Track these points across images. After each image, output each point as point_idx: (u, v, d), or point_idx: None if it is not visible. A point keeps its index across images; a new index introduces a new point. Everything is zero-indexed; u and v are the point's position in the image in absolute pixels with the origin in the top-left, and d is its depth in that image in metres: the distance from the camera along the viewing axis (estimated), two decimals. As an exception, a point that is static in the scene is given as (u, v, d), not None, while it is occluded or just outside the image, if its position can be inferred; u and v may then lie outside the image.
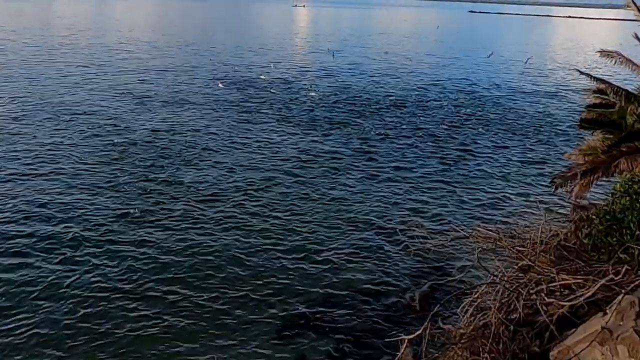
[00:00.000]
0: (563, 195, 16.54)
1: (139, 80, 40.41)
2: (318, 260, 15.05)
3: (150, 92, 36.06)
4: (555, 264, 11.35)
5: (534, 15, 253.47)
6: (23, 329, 11.72)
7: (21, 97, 32.05)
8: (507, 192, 20.66)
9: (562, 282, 10.56)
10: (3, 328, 11.75)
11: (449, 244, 14.39)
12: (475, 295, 11.07)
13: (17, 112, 28.70)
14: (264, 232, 16.47)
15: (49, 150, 23.01)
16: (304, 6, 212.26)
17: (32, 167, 20.91)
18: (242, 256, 15.03)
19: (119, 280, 13.67)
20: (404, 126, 30.17)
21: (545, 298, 10.25)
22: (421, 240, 14.54)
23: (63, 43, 59.30)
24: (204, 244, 15.59)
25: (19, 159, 21.71)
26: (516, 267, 11.55)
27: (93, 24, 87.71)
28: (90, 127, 26.82)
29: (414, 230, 14.91)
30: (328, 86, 41.90)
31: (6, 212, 17.03)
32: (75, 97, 33.40)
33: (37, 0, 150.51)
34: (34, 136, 24.79)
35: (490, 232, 13.33)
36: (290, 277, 14.18)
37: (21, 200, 17.86)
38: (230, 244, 15.71)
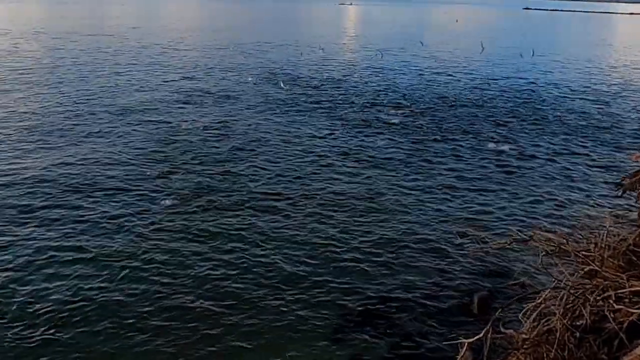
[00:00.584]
0: (630, 198, 15.86)
1: (188, 78, 41.55)
2: (374, 261, 14.99)
3: (199, 89, 37.00)
4: (624, 270, 10.92)
5: (594, 12, 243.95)
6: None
7: (74, 96, 33.45)
8: (570, 195, 19.98)
9: (632, 289, 10.13)
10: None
11: (508, 246, 14.12)
12: (539, 300, 10.78)
13: (71, 111, 29.97)
14: (319, 232, 16.54)
15: (101, 146, 23.90)
16: (350, 4, 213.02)
17: (82, 164, 21.73)
18: (298, 255, 15.13)
19: (174, 275, 14.00)
20: (457, 126, 29.69)
21: (614, 305, 9.87)
22: (480, 242, 14.31)
23: (112, 42, 61.60)
24: (259, 242, 15.78)
25: (73, 156, 22.68)
26: (582, 272, 11.18)
27: (141, 24, 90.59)
28: (142, 124, 27.69)
29: (472, 233, 14.68)
30: (377, 84, 41.82)
31: (61, 200, 17.75)
32: (127, 95, 34.63)
33: (84, 2, 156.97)
34: (88, 133, 25.76)
35: (553, 236, 12.95)
36: (346, 277, 14.18)
37: (73, 193, 18.58)
38: (285, 242, 15.85)
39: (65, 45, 56.66)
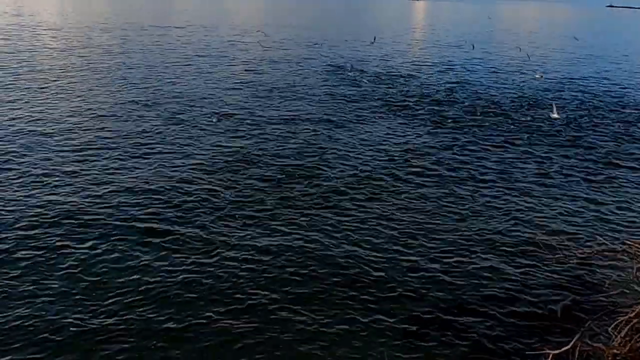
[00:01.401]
0: None
1: (255, 71, 42.45)
2: (450, 264, 14.66)
3: (265, 83, 37.64)
4: None
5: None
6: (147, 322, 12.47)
7: (143, 87, 34.74)
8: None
9: None
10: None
11: (595, 256, 13.47)
12: (632, 314, 10.24)
13: (141, 100, 31.23)
14: (391, 234, 16.34)
15: (168, 137, 24.76)
16: (418, 0, 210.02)
17: (149, 155, 22.53)
18: (367, 258, 14.97)
19: (241, 270, 14.21)
20: (538, 129, 28.57)
21: None
22: (563, 250, 13.72)
23: (181, 35, 63.56)
24: (327, 243, 15.76)
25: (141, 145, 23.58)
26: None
27: (208, 17, 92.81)
28: (208, 116, 28.47)
29: (554, 240, 14.09)
30: (449, 82, 41.05)
31: (131, 195, 18.46)
32: (193, 86, 35.58)
33: None
34: (153, 124, 26.68)
35: (648, 248, 12.25)
36: (420, 281, 13.90)
37: (125, 186, 19.27)
38: (356, 244, 15.73)
39: (134, 38, 58.88)
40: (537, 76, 43.53)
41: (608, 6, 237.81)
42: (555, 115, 27.60)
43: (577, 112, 32.98)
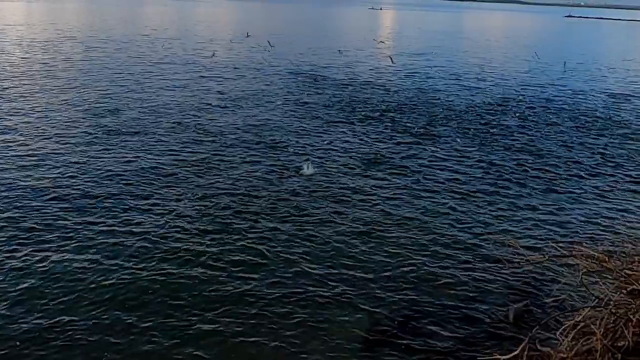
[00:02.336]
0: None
1: (217, 78, 42.52)
2: (404, 271, 14.78)
3: (229, 91, 37.54)
4: (670, 290, 10.52)
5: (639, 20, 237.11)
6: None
7: (101, 95, 34.40)
8: (612, 210, 19.37)
9: (678, 311, 9.76)
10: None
11: (547, 262, 13.76)
12: (578, 319, 10.48)
13: (100, 109, 30.86)
14: (347, 240, 16.44)
15: (127, 145, 24.37)
16: (380, 9, 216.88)
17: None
18: (323, 265, 15.01)
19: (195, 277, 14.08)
20: (495, 137, 29.19)
21: (658, 327, 9.53)
22: (516, 256, 13.97)
23: (144, 42, 63.48)
24: (286, 250, 15.76)
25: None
26: (625, 291, 10.81)
27: (172, 25, 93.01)
28: (174, 126, 28.23)
29: (508, 246, 14.36)
30: (409, 89, 41.84)
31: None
32: (160, 95, 35.38)
33: (121, 3, 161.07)
34: (110, 132, 26.34)
35: (594, 252, 12.57)
36: (374, 287, 14.00)
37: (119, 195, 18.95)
38: (313, 251, 15.79)
39: (98, 47, 58.07)
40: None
41: (566, 16, 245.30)
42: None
43: (532, 119, 33.84)
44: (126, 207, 17.96)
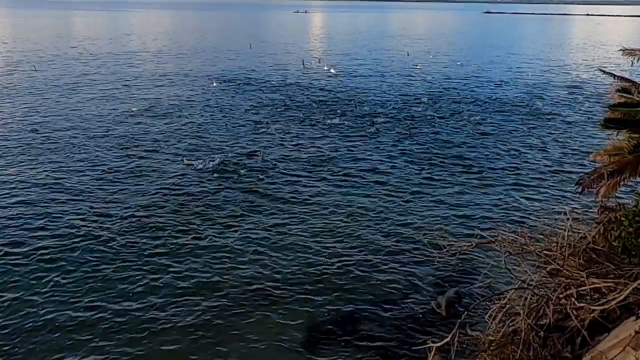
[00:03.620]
0: (589, 197, 16.25)
1: (146, 87, 41.77)
2: (340, 269, 14.97)
3: (158, 99, 36.86)
4: (585, 267, 11.17)
5: (552, 14, 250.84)
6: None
7: (30, 107, 32.74)
8: (532, 195, 20.40)
9: (593, 286, 10.37)
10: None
11: (473, 249, 14.26)
12: (504, 301, 10.94)
13: (25, 123, 29.65)
14: (287, 239, 16.49)
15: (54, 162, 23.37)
16: (305, 12, 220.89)
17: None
18: (266, 261, 15.06)
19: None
20: (417, 130, 30.08)
21: (576, 303, 10.09)
22: (445, 246, 14.40)
23: (76, 53, 61.56)
24: (230, 251, 15.61)
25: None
26: (544, 271, 11.39)
27: (105, 35, 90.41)
28: (100, 135, 27.36)
29: (437, 237, 14.77)
30: (333, 88, 42.51)
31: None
32: (85, 106, 34.17)
33: (53, 13, 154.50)
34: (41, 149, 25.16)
35: (516, 236, 13.16)
36: (313, 285, 14.14)
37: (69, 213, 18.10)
38: (251, 251, 15.72)
39: (22, 59, 55.31)
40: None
41: (485, 12, 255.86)
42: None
43: (455, 111, 35.07)
44: (57, 215, 17.20)
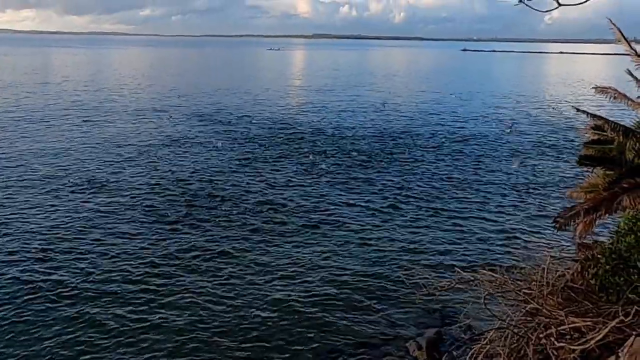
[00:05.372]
0: (567, 234, 16.32)
1: (128, 123, 41.64)
2: (317, 311, 14.63)
3: (139, 135, 36.59)
4: (564, 306, 11.09)
5: (527, 52, 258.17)
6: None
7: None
8: (510, 233, 20.39)
9: (572, 325, 10.28)
10: None
11: (454, 287, 14.14)
12: (484, 342, 10.80)
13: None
14: (268, 280, 16.19)
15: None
16: (278, 49, 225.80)
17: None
18: (230, 303, 14.69)
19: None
20: (392, 165, 30.25)
21: (556, 342, 9.97)
22: (425, 285, 14.26)
23: (58, 91, 61.37)
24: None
25: None
26: (524, 310, 11.29)
27: (86, 73, 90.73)
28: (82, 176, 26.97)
29: (417, 276, 14.63)
30: (311, 123, 42.89)
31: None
32: (72, 146, 33.70)
33: (35, 51, 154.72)
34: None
35: (496, 275, 13.10)
36: (290, 326, 13.81)
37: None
38: (236, 283, 15.44)
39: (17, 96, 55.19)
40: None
41: (462, 50, 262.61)
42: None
43: (432, 145, 35.58)
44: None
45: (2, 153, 31.02)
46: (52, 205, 22.42)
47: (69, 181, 25.83)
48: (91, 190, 24.59)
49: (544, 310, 10.96)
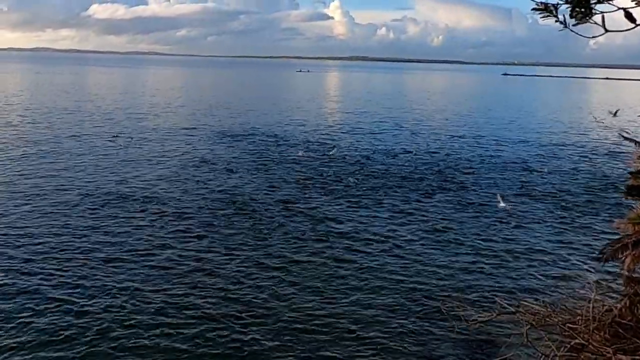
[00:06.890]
0: (614, 267, 15.75)
1: (159, 142, 42.35)
2: (357, 346, 14.26)
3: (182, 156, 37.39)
4: (611, 342, 10.71)
5: (570, 77, 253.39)
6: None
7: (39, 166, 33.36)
8: (554, 265, 19.60)
9: (620, 364, 9.91)
10: None
11: (495, 319, 13.82)
12: (526, 377, 10.50)
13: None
14: (290, 306, 16.07)
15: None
16: (308, 71, 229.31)
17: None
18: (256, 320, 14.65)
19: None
20: (433, 191, 29.88)
21: (603, 381, 9.62)
22: (465, 316, 13.98)
23: (96, 107, 64.91)
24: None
25: None
26: (568, 346, 10.94)
27: (120, 92, 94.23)
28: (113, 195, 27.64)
29: (457, 307, 14.33)
30: (351, 146, 43.09)
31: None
32: (105, 166, 34.57)
33: (70, 69, 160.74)
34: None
35: (539, 307, 12.78)
36: (317, 350, 13.68)
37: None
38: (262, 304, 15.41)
39: (50, 116, 57.29)
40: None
41: (503, 74, 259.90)
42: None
43: (473, 171, 35.17)
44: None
45: (38, 169, 32.21)
46: (84, 222, 22.99)
47: (102, 198, 26.47)
48: (129, 207, 25.17)
49: (590, 346, 10.61)
